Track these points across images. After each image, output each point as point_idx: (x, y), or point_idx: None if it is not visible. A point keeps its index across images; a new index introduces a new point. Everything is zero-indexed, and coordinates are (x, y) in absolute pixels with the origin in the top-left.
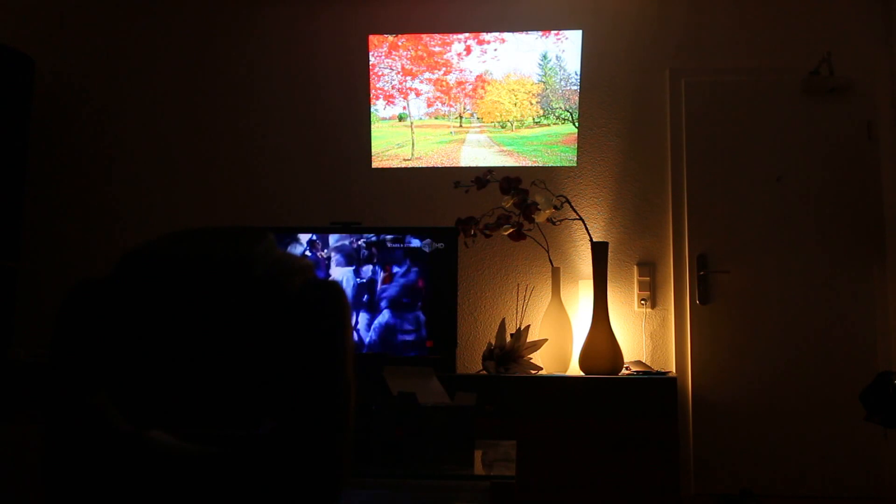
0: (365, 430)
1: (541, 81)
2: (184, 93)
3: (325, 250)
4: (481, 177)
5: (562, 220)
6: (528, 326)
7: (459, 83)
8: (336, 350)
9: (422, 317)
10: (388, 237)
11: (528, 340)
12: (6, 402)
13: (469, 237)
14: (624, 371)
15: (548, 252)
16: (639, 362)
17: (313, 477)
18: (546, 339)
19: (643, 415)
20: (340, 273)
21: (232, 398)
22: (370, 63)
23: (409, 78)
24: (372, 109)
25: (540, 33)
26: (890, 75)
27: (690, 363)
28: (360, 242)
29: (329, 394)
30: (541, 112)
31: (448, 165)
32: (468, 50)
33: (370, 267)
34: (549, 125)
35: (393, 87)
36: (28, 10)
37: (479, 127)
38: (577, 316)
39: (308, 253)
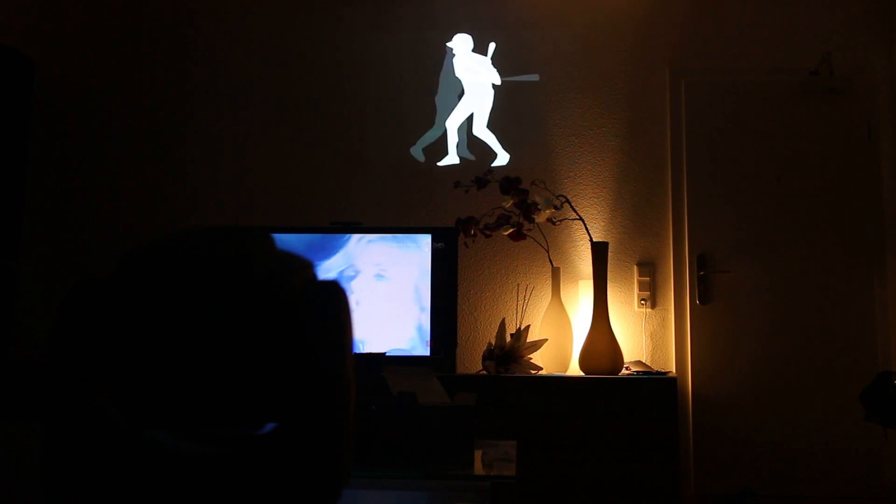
0: (365, 430)
1: None
2: (183, 93)
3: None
4: (481, 177)
5: (562, 220)
6: (528, 326)
7: None
8: (336, 349)
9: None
10: (388, 237)
11: (528, 340)
12: (6, 402)
13: (469, 237)
14: (624, 371)
15: (548, 252)
16: (639, 362)
17: (313, 477)
18: (546, 339)
19: (643, 415)
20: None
21: (232, 398)
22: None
23: None
24: None
25: None
26: (890, 75)
27: (690, 363)
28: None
29: (329, 393)
30: None
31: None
32: None
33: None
34: None
35: None
36: (28, 10)
37: None
38: (577, 316)
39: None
